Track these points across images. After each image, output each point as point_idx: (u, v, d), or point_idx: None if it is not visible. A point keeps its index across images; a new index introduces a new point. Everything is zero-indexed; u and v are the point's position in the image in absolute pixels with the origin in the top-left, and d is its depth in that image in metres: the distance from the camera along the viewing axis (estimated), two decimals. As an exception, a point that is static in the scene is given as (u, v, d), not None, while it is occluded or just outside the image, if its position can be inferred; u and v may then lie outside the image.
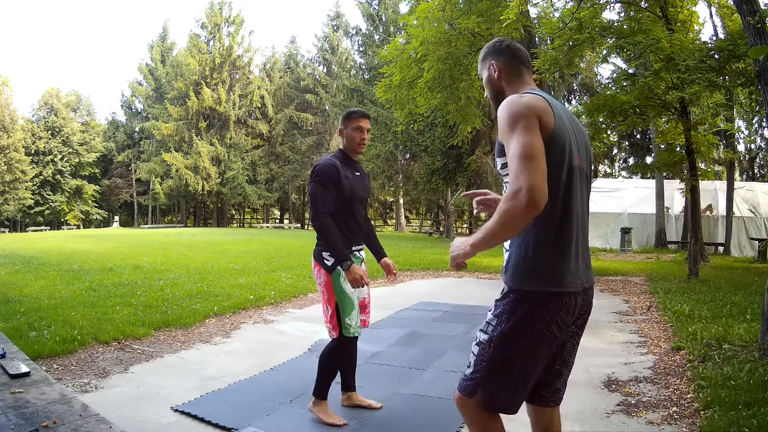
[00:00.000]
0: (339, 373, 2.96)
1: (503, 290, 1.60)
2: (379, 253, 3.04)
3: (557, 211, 1.53)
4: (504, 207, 1.40)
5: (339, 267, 2.67)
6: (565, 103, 24.32)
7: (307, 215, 40.59)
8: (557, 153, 1.51)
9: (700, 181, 10.79)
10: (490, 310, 1.62)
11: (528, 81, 1.70)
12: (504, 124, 1.50)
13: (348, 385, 3.01)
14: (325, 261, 2.72)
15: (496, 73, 1.71)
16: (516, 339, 1.54)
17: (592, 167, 1.74)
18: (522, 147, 1.42)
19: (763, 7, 5.91)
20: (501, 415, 1.65)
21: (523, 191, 1.37)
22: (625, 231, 15.56)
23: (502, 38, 1.80)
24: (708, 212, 16.24)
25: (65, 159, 36.42)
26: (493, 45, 1.76)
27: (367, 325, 2.99)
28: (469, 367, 1.63)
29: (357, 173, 2.86)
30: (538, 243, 1.54)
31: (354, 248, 2.84)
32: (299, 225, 36.61)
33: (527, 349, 1.55)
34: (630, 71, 11.25)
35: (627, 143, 28.01)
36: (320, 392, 2.81)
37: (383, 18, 27.87)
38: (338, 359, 2.85)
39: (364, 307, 2.93)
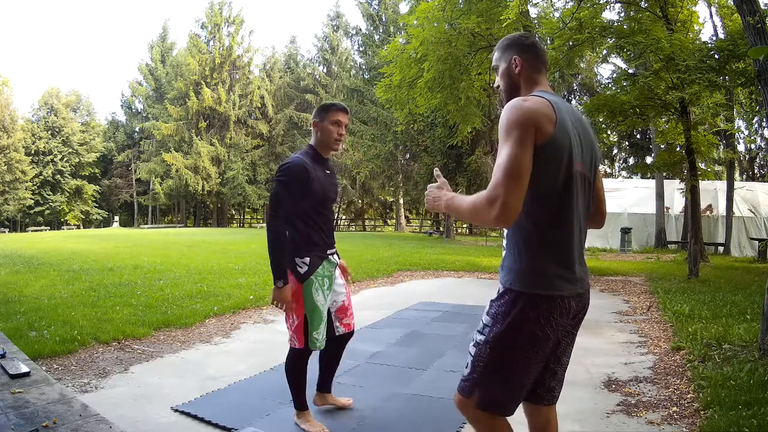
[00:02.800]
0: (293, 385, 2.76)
1: (498, 290, 1.62)
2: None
3: (549, 217, 1.54)
4: (479, 204, 1.47)
5: (311, 276, 2.54)
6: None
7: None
8: (552, 160, 1.50)
9: (700, 181, 10.80)
10: (485, 311, 1.64)
11: (543, 82, 1.69)
12: (501, 128, 1.51)
13: (324, 385, 2.95)
14: (298, 268, 2.53)
15: (517, 68, 1.69)
16: (511, 340, 1.56)
17: (596, 171, 1.71)
18: (509, 160, 1.44)
19: (763, 7, 5.92)
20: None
21: (497, 204, 1.42)
22: (625, 231, 15.56)
23: (528, 34, 1.79)
24: (708, 212, 16.25)
25: (65, 159, 36.41)
26: (518, 38, 1.73)
27: (352, 329, 2.85)
28: (467, 367, 1.65)
29: (327, 171, 2.66)
30: (529, 246, 1.56)
31: (329, 252, 2.66)
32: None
33: (522, 350, 1.56)
34: (630, 71, 11.27)
35: (627, 143, 28.02)
36: (298, 404, 2.72)
37: (383, 18, 27.89)
38: (302, 370, 2.68)
39: (344, 310, 2.80)
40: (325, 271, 2.61)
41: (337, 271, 2.77)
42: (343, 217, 39.91)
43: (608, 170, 30.51)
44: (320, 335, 2.61)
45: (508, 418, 1.67)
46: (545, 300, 1.54)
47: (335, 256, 2.73)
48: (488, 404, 1.61)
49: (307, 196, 2.50)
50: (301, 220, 2.54)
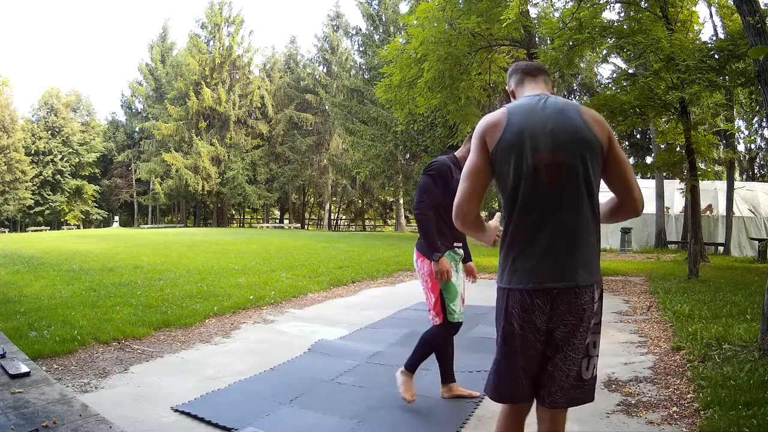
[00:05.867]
0: (437, 363, 3.12)
1: None
2: (466, 256, 3.20)
3: (513, 213, 1.66)
4: None
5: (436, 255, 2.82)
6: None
7: (306, 215, 40.65)
8: (505, 160, 1.65)
9: (700, 181, 10.78)
10: None
11: (528, 87, 1.84)
12: None
13: (448, 376, 3.13)
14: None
15: (511, 95, 1.92)
16: (499, 330, 1.74)
17: (593, 158, 1.64)
18: (465, 168, 1.73)
19: (763, 7, 5.92)
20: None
21: (454, 207, 1.74)
22: (625, 231, 15.56)
23: (515, 63, 1.98)
24: (708, 212, 16.24)
25: (65, 159, 36.39)
26: (509, 70, 1.97)
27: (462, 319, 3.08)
28: None
29: None
30: (504, 243, 1.72)
31: (455, 245, 3.00)
32: (299, 225, 36.60)
33: (501, 339, 1.72)
34: (630, 71, 11.24)
35: (627, 143, 27.99)
36: (411, 367, 3.03)
37: (383, 18, 27.86)
38: (441, 344, 3.01)
39: (462, 301, 3.06)
40: (450, 257, 2.93)
41: (461, 265, 3.09)
42: (343, 217, 39.93)
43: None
44: (457, 307, 2.91)
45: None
46: (509, 293, 1.67)
47: (460, 250, 3.06)
48: (487, 389, 1.78)
49: (446, 192, 2.83)
50: (437, 213, 2.90)
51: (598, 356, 1.76)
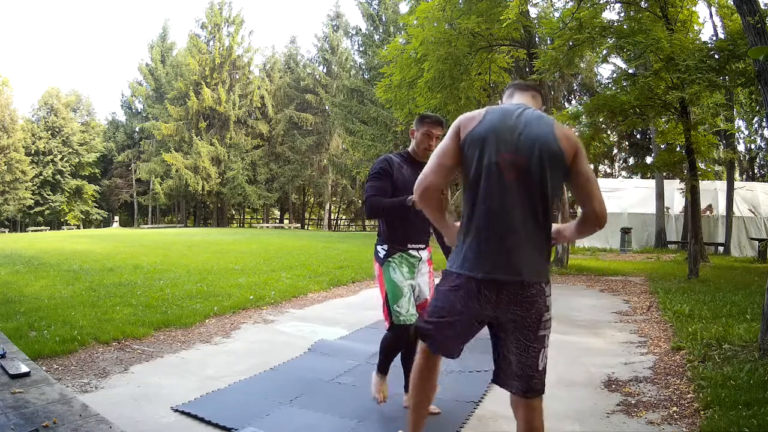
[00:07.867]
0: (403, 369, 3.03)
1: None
2: (448, 253, 3.06)
3: (467, 201, 1.83)
4: None
5: (389, 258, 2.78)
6: (565, 104, 24.28)
7: (306, 215, 40.65)
8: (471, 151, 1.81)
9: (700, 181, 10.78)
10: None
11: (515, 98, 2.02)
12: None
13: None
14: (378, 254, 2.83)
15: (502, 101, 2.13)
16: (435, 294, 1.99)
17: (547, 164, 1.76)
18: (436, 149, 1.91)
19: (763, 7, 5.91)
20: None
21: (418, 180, 1.89)
22: (625, 231, 15.56)
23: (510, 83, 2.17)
24: (708, 212, 16.24)
25: (65, 159, 36.37)
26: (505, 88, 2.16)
27: None
28: None
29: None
30: (459, 229, 1.88)
31: (410, 246, 2.83)
32: (299, 225, 36.60)
33: (439, 301, 1.93)
34: (630, 71, 11.23)
35: (627, 143, 27.98)
36: (380, 368, 2.97)
37: (383, 18, 27.85)
38: (393, 346, 2.88)
39: (424, 307, 2.88)
40: (402, 259, 2.82)
41: (425, 267, 2.93)
42: (343, 217, 39.93)
43: (608, 170, 30.53)
44: (402, 308, 2.77)
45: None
46: (456, 277, 1.83)
47: (420, 252, 2.88)
48: (419, 330, 2.03)
49: (395, 186, 2.77)
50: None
51: (548, 347, 1.89)
